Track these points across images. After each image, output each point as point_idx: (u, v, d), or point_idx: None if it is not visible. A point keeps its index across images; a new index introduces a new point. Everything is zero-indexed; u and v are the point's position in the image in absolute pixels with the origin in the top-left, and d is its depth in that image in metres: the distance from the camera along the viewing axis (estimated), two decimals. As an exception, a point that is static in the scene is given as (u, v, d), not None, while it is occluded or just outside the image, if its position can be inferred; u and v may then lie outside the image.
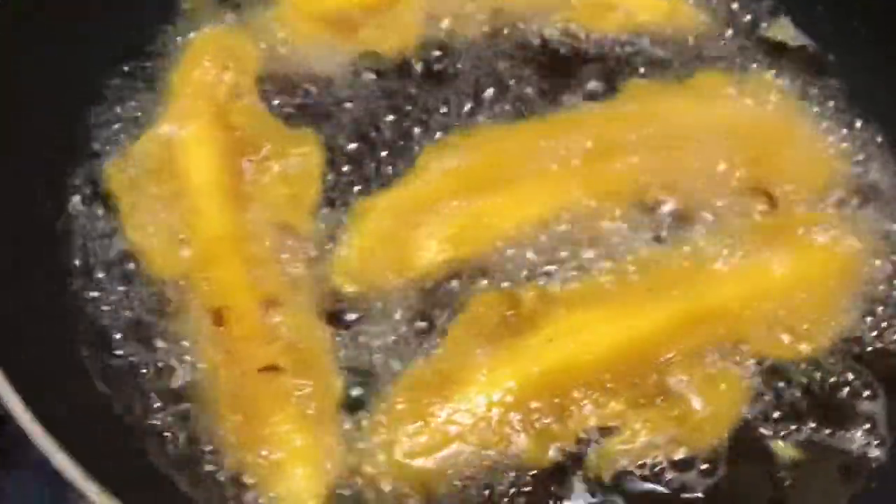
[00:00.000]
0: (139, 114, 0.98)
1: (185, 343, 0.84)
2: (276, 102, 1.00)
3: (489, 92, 1.03)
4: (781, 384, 0.84)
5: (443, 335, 0.86)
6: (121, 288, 0.88)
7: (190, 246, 0.89)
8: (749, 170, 0.97)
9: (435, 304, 0.88)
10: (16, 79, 0.90)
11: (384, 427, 0.80)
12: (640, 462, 0.80)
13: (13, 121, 0.88)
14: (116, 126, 0.97)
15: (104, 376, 0.83)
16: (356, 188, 0.95)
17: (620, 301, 0.87)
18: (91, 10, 0.97)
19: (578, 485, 0.80)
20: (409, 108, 1.01)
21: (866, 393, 0.85)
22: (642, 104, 1.02)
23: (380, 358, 0.84)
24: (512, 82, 1.04)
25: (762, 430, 0.82)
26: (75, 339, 0.84)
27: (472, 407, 0.81)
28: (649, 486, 0.80)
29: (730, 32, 1.09)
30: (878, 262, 0.93)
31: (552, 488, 0.79)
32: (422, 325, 0.87)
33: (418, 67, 1.04)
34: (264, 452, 0.79)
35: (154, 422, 0.81)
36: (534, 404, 0.81)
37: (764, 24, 1.10)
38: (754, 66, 1.06)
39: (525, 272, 0.90)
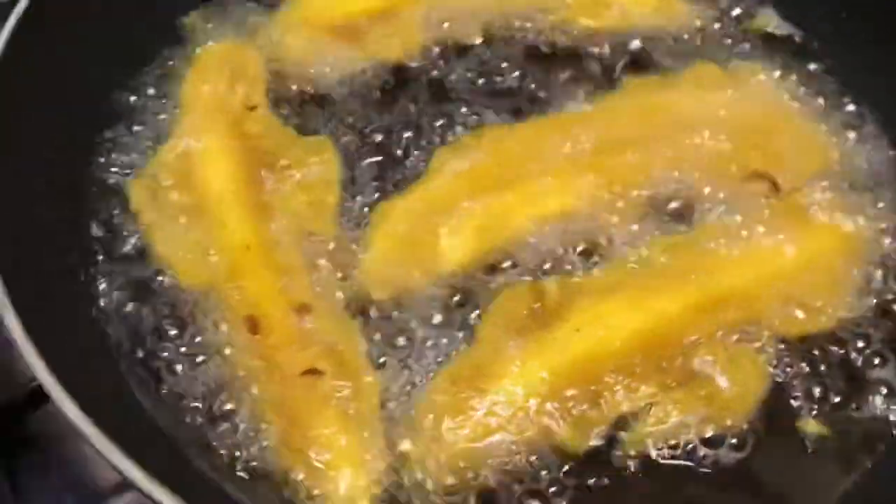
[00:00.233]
0: (153, 131, 1.00)
1: (222, 353, 0.86)
2: (287, 112, 1.02)
3: (493, 92, 1.06)
4: (800, 359, 0.88)
5: (473, 330, 0.88)
6: (148, 301, 0.89)
7: (217, 257, 0.90)
8: (749, 157, 1.00)
9: (462, 300, 0.90)
10: (27, 105, 0.90)
11: (425, 423, 0.82)
12: (672, 442, 0.83)
13: (26, 146, 0.89)
14: (131, 143, 0.99)
15: (144, 391, 0.84)
16: (374, 193, 0.97)
17: (640, 288, 0.90)
18: (93, 27, 0.99)
19: (616, 467, 0.82)
20: (417, 111, 1.04)
21: (877, 360, 0.89)
22: (642, 98, 1.05)
23: (414, 355, 0.86)
24: (514, 82, 1.07)
25: (785, 404, 0.86)
26: (112, 352, 0.86)
27: (509, 398, 0.83)
28: (683, 463, 0.82)
29: (719, 25, 1.13)
30: (876, 239, 0.97)
31: (592, 472, 0.82)
32: (451, 321, 0.89)
33: (423, 71, 1.06)
34: (311, 456, 0.80)
35: (196, 433, 0.83)
36: (568, 392, 0.83)
37: (751, 16, 1.14)
38: (745, 57, 1.10)
39: (546, 265, 0.92)
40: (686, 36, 1.12)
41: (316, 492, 0.79)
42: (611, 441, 0.83)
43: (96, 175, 0.97)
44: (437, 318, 0.89)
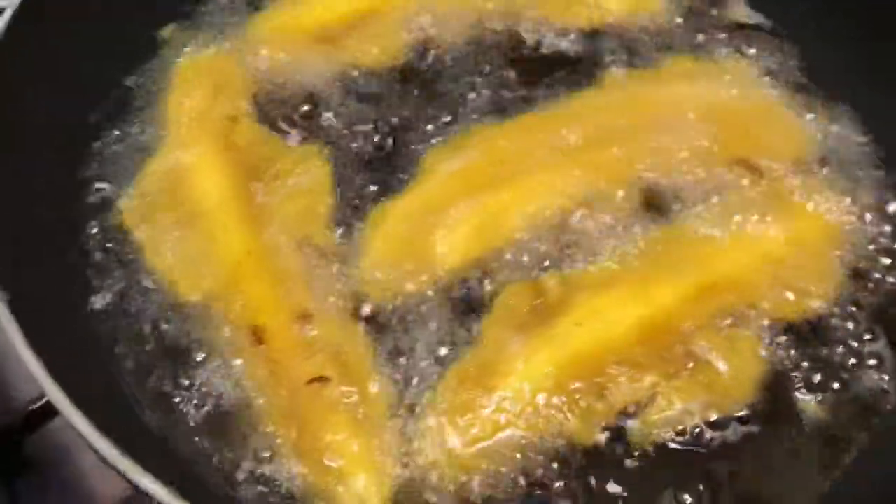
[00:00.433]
0: (140, 143, 0.99)
1: (228, 365, 0.85)
2: (273, 121, 1.02)
3: (476, 93, 1.07)
4: (794, 340, 0.90)
5: (474, 329, 0.88)
6: (149, 316, 0.89)
7: (214, 269, 0.90)
8: (731, 146, 1.02)
9: (463, 300, 0.91)
10: (14, 122, 0.90)
11: (435, 423, 0.83)
12: (678, 428, 0.85)
13: (19, 165, 0.88)
14: (117, 159, 0.98)
15: (148, 404, 0.84)
16: (366, 196, 0.97)
17: (635, 280, 0.91)
18: (78, 42, 0.98)
19: (625, 456, 0.83)
20: (402, 113, 1.04)
21: (868, 336, 0.92)
22: (623, 93, 1.08)
23: (418, 357, 0.87)
24: (497, 81, 1.08)
25: (784, 383, 0.88)
26: (115, 369, 0.85)
27: (516, 394, 0.84)
28: (690, 448, 0.84)
29: (692, 19, 1.16)
30: (856, 222, 1.00)
31: (601, 462, 0.83)
32: (452, 320, 0.89)
33: (406, 74, 1.07)
34: (324, 463, 0.80)
35: (204, 445, 0.82)
36: (574, 385, 0.84)
37: (721, 9, 1.17)
38: (719, 48, 1.13)
39: (543, 262, 0.93)
40: (662, 30, 1.14)
41: (333, 500, 0.79)
42: (618, 432, 0.84)
43: (92, 180, 0.97)
44: (438, 318, 0.89)
